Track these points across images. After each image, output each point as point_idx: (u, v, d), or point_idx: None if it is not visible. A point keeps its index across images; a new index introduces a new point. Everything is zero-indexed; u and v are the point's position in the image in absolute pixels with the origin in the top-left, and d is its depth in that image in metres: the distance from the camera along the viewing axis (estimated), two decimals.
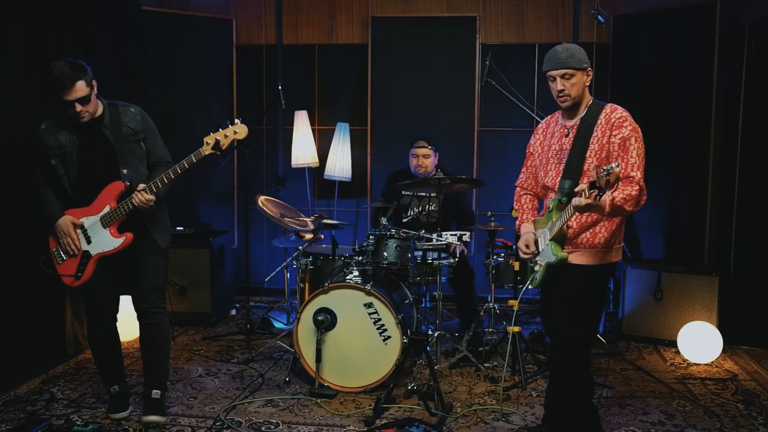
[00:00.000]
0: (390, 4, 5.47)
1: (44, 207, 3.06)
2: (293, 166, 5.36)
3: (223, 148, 2.98)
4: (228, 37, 5.52)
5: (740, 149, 4.38)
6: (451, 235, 3.80)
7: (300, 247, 4.12)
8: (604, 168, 2.31)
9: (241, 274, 4.99)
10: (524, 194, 3.01)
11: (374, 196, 5.27)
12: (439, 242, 3.72)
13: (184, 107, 5.18)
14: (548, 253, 2.69)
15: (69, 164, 3.00)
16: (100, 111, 3.03)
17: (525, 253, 2.85)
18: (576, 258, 2.70)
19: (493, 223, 4.13)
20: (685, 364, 4.03)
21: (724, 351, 4.09)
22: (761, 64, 4.22)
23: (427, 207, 4.41)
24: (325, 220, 4.11)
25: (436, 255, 3.83)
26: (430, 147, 4.40)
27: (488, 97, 5.27)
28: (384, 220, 3.84)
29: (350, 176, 5.39)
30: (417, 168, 4.41)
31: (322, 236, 4.33)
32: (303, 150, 5.30)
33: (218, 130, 2.99)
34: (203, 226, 5.26)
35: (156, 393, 3.11)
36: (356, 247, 3.96)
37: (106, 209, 3.01)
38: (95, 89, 2.98)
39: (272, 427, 3.09)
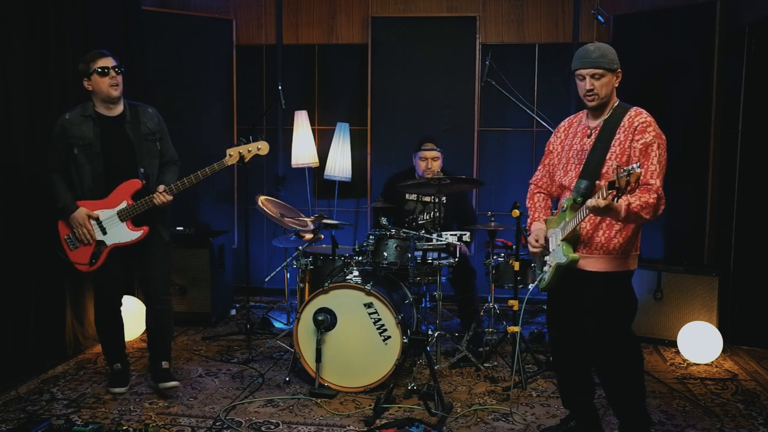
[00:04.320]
0: (390, 4, 5.47)
1: (58, 197, 3.26)
2: (293, 166, 5.36)
3: (246, 160, 3.34)
4: (228, 37, 5.52)
5: (740, 149, 4.37)
6: (451, 235, 3.80)
7: (300, 247, 4.12)
8: (625, 168, 2.26)
9: (241, 274, 4.99)
10: (538, 192, 2.96)
11: (374, 196, 5.27)
12: (439, 242, 3.72)
13: (184, 107, 5.18)
14: (559, 253, 2.65)
15: (94, 156, 3.24)
16: (121, 109, 3.32)
17: (534, 247, 2.81)
18: (592, 264, 2.65)
19: (493, 223, 4.13)
20: (685, 364, 4.03)
21: (724, 351, 4.09)
22: (761, 63, 4.22)
23: (433, 214, 4.37)
24: (325, 220, 4.11)
25: (435, 255, 3.83)
26: (438, 149, 4.35)
27: (488, 97, 5.27)
28: (384, 220, 3.83)
29: (350, 176, 5.39)
30: (425, 172, 4.30)
31: (322, 236, 4.33)
32: (303, 150, 5.30)
33: (242, 144, 3.34)
34: (203, 226, 5.26)
35: (165, 364, 3.47)
36: (356, 247, 3.96)
37: (123, 204, 3.26)
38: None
39: (272, 427, 3.09)
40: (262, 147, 3.37)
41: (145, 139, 3.33)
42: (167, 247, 3.47)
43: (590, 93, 2.66)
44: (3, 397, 3.38)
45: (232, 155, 3.33)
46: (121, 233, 3.28)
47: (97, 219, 3.26)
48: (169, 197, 3.25)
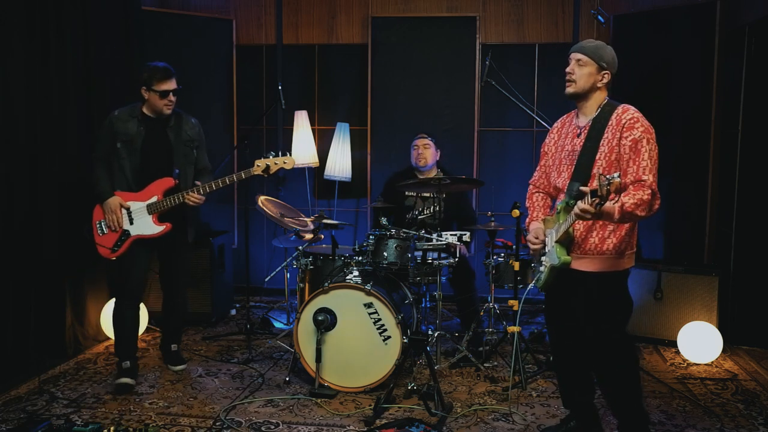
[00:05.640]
0: (390, 4, 5.47)
1: (98, 183, 3.51)
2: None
3: (270, 172, 3.54)
4: (228, 37, 5.52)
5: (740, 149, 4.37)
6: (451, 235, 3.80)
7: (300, 247, 4.12)
8: (607, 177, 2.26)
9: (241, 274, 4.99)
10: (536, 192, 2.97)
11: (374, 196, 5.27)
12: (439, 242, 3.72)
13: (184, 107, 5.10)
14: (553, 255, 2.65)
15: (132, 151, 3.49)
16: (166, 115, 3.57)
17: (534, 244, 2.80)
18: (586, 265, 2.66)
19: (493, 223, 4.13)
20: (685, 364, 4.03)
21: (724, 351, 4.09)
22: (761, 63, 4.22)
23: (432, 208, 4.38)
24: (325, 220, 4.11)
25: (436, 255, 3.83)
26: (429, 138, 4.47)
27: (488, 97, 5.27)
28: (384, 220, 3.83)
29: (350, 176, 5.39)
30: (417, 159, 4.45)
31: (322, 236, 4.33)
32: (303, 150, 5.30)
33: (269, 157, 3.54)
34: (203, 226, 5.24)
35: (174, 346, 3.85)
36: (356, 247, 3.96)
37: (154, 199, 3.49)
38: None
39: (272, 427, 3.10)
40: (288, 162, 3.55)
41: (184, 144, 3.59)
42: (190, 249, 3.79)
43: (568, 76, 2.68)
44: (3, 397, 3.39)
45: (260, 165, 3.51)
46: (145, 225, 3.49)
47: (128, 209, 3.49)
48: (201, 197, 3.48)
